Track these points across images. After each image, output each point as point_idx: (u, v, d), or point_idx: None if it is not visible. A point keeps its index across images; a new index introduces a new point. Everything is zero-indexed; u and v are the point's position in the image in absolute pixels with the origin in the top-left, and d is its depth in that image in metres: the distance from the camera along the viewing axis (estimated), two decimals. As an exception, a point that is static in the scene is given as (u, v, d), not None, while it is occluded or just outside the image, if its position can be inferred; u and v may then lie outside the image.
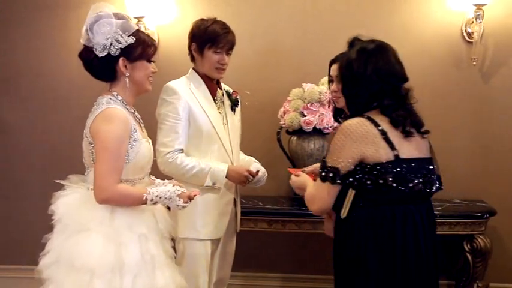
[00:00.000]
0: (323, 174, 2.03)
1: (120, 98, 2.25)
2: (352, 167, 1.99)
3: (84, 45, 2.23)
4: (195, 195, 2.34)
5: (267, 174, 2.90)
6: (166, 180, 2.42)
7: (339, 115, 2.62)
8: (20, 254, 4.08)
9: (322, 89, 3.37)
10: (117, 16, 2.22)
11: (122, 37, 2.18)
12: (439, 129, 3.66)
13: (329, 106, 3.38)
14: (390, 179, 1.96)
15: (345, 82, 2.13)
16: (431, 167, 2.11)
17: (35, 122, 4.08)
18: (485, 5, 3.42)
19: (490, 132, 3.63)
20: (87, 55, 2.22)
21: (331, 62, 2.55)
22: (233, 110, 2.89)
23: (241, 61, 3.53)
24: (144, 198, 2.19)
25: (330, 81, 2.54)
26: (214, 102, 2.79)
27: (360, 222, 2.03)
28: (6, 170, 4.14)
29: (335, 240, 2.18)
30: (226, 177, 2.72)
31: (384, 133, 2.00)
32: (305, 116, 3.36)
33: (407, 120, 2.05)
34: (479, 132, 3.65)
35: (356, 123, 2.01)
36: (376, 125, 2.01)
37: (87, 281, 2.10)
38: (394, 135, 2.01)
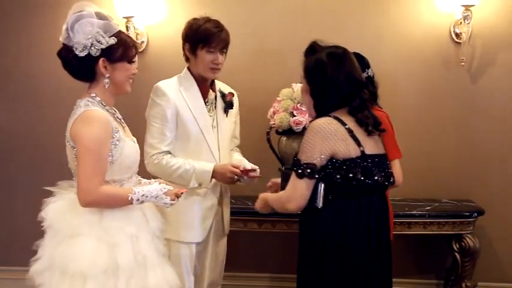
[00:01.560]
0: (299, 171, 2.15)
1: (98, 99, 2.23)
2: (325, 162, 2.14)
3: (64, 44, 2.20)
4: (181, 193, 2.33)
5: (258, 170, 2.81)
6: (153, 180, 2.41)
7: None
8: (7, 254, 4.05)
9: (312, 89, 3.37)
10: (99, 16, 2.18)
11: (103, 37, 2.16)
12: (428, 129, 3.71)
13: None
14: (359, 173, 2.13)
15: (316, 85, 2.24)
16: (387, 163, 2.31)
17: (23, 122, 4.05)
18: (473, 6, 3.44)
19: (478, 132, 3.66)
20: (66, 54, 2.20)
21: None
22: (226, 112, 2.84)
23: (231, 61, 3.50)
24: (129, 198, 2.17)
25: None
26: (205, 104, 2.77)
27: (329, 214, 2.18)
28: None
29: (302, 230, 2.32)
30: (212, 177, 2.70)
31: (350, 131, 2.18)
32: (295, 116, 3.36)
33: (370, 120, 2.24)
34: (468, 132, 3.67)
35: (324, 122, 2.17)
36: (343, 123, 2.18)
37: (80, 285, 2.08)
38: (358, 132, 2.20)
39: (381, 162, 2.24)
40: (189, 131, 2.71)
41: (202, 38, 2.67)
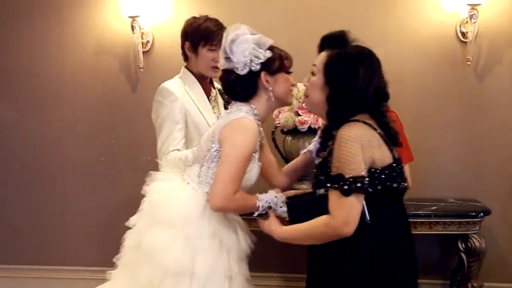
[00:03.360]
0: (346, 187, 1.87)
1: (256, 112, 2.25)
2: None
3: (223, 70, 2.25)
4: None
5: None
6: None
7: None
8: (7, 254, 4.04)
9: (317, 88, 3.37)
10: (252, 31, 2.22)
11: (260, 52, 2.18)
12: (434, 129, 3.69)
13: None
14: (399, 180, 1.98)
15: (338, 92, 1.99)
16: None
17: (25, 122, 4.06)
18: (479, 4, 3.42)
19: (485, 131, 3.64)
20: (227, 78, 2.24)
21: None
22: (226, 108, 2.87)
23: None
24: (257, 205, 2.19)
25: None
26: (209, 101, 2.78)
27: (373, 228, 1.97)
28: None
29: (332, 249, 2.03)
30: None
31: (382, 136, 2.00)
32: (300, 115, 3.36)
33: (396, 133, 2.07)
34: (474, 132, 3.65)
35: (358, 129, 1.93)
36: (374, 128, 1.98)
37: (159, 278, 2.11)
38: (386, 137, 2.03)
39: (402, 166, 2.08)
40: (199, 129, 2.71)
41: (204, 36, 2.70)
